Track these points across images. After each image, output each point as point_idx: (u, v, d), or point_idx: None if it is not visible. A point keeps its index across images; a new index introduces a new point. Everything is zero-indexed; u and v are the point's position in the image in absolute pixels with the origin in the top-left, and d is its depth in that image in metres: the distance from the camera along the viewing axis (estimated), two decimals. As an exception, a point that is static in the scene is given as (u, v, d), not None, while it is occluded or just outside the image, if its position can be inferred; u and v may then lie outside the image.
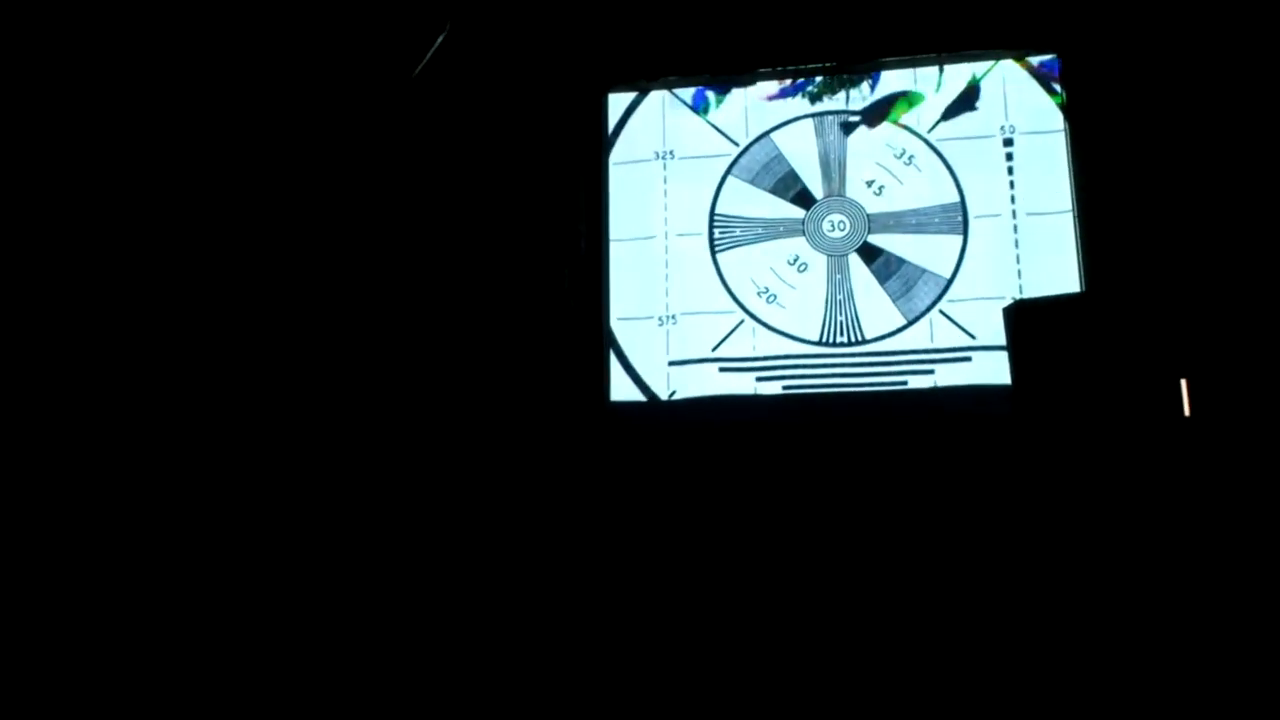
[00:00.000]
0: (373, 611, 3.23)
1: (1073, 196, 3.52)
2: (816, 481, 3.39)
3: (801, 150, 3.74)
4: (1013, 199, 3.58)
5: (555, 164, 3.70)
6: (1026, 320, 2.64)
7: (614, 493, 3.47)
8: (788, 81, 3.74)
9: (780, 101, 3.76)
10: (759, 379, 3.58)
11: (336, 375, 3.49)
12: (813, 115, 3.75)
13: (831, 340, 3.59)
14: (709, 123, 3.77)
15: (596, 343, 3.65)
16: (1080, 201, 3.49)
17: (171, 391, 3.30)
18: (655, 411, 3.60)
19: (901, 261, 3.62)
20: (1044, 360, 2.60)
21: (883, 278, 3.62)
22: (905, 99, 3.59)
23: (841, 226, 3.66)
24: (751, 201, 3.72)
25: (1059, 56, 3.58)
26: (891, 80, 3.73)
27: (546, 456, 3.51)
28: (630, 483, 3.48)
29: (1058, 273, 3.46)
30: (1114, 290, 3.22)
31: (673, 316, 3.65)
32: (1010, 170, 3.59)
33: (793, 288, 3.65)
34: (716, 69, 3.73)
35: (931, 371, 3.51)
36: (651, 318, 3.67)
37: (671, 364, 3.64)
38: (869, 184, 3.68)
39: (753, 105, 3.78)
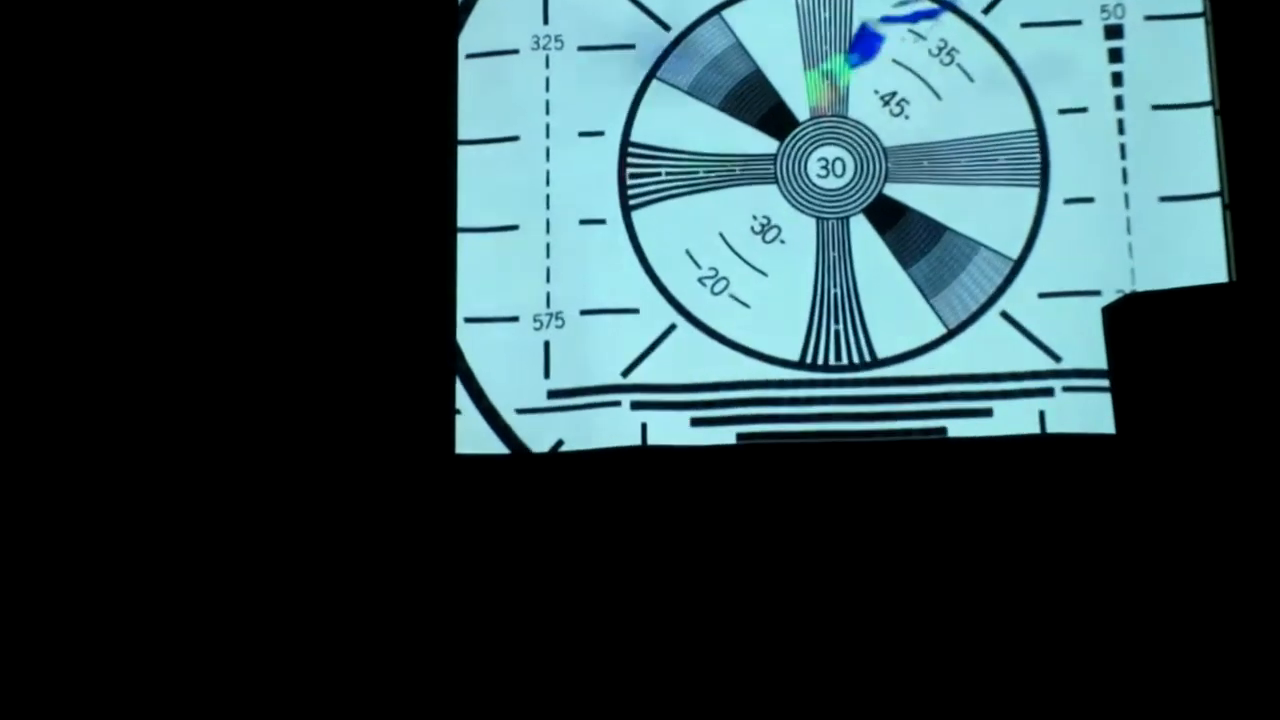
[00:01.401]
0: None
1: (1217, 127, 3.26)
2: (793, 590, 3.20)
3: (775, 40, 3.47)
4: (1121, 127, 3.32)
5: (368, 52, 3.47)
6: (1142, 328, 2.37)
7: (458, 601, 3.26)
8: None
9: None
10: (696, 422, 3.34)
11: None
12: None
13: (822, 360, 3.35)
14: None
15: (434, 358, 3.38)
16: (1229, 134, 3.26)
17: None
18: (526, 472, 3.34)
19: (940, 229, 3.36)
20: (1171, 394, 2.33)
21: (908, 256, 3.36)
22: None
23: (840, 169, 3.40)
24: (691, 124, 3.47)
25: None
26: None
27: (350, 542, 3.30)
28: (485, 585, 3.26)
29: (1193, 250, 3.26)
30: (1286, 279, 3.20)
31: (558, 315, 3.40)
32: (1118, 79, 3.34)
33: (758, 271, 3.39)
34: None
35: (989, 413, 3.27)
36: (522, 318, 3.40)
37: (554, 395, 3.38)
38: (886, 98, 3.41)
39: None
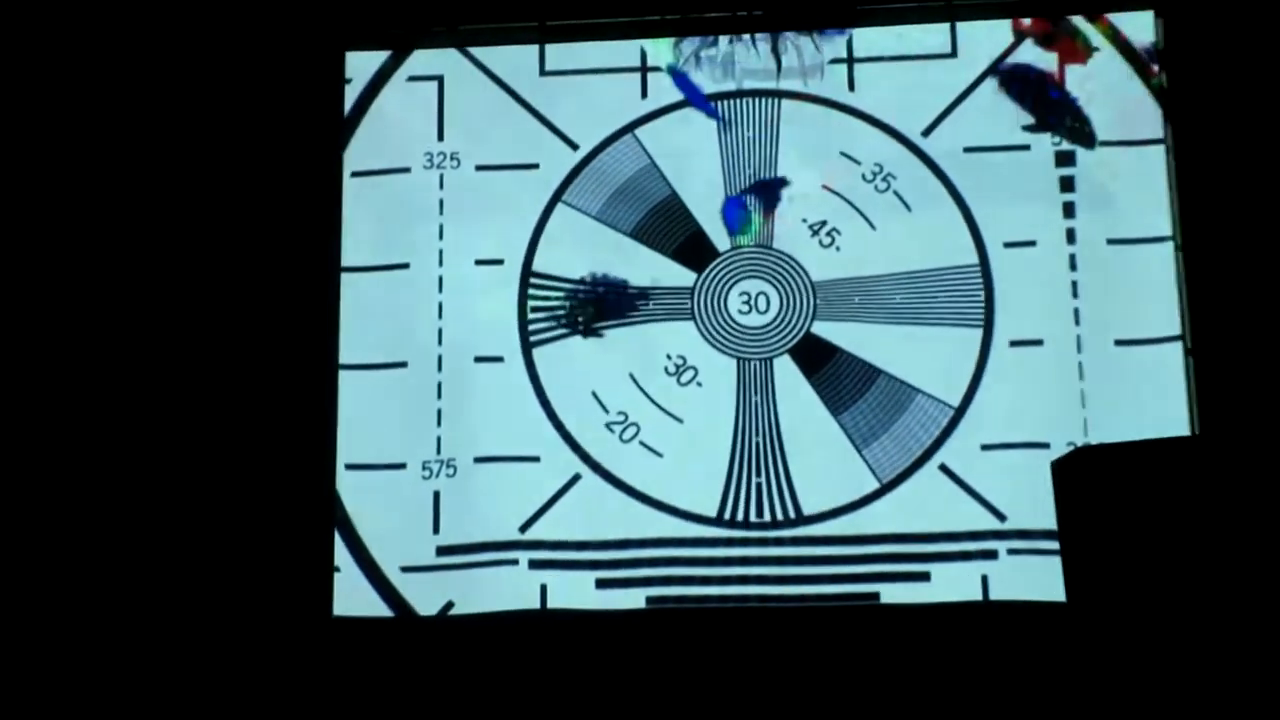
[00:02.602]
0: None
1: (1178, 264, 3.31)
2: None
3: (693, 162, 3.52)
4: (1073, 263, 3.34)
5: (241, 168, 3.49)
6: (1095, 484, 2.29)
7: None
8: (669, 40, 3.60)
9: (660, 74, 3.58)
10: (602, 583, 3.33)
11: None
12: (717, 97, 3.54)
13: (741, 516, 3.33)
14: (524, 105, 3.55)
15: (311, 508, 3.37)
16: (1191, 271, 3.31)
17: None
18: (411, 637, 3.33)
19: (874, 372, 3.38)
20: (1126, 558, 2.23)
21: (837, 402, 3.37)
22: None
23: (764, 305, 3.42)
24: (600, 253, 3.50)
25: (1157, 15, 3.45)
26: (858, 42, 3.53)
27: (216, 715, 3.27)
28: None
29: (1152, 399, 3.28)
30: (1253, 432, 3.08)
31: (449, 463, 3.39)
32: (1070, 210, 3.36)
33: (673, 417, 3.40)
34: (546, 12, 3.58)
35: (926, 577, 3.26)
36: (409, 465, 3.40)
37: (444, 551, 3.36)
38: (815, 227, 3.43)
39: (608, 79, 3.56)
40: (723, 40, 3.54)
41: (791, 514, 3.30)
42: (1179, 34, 3.46)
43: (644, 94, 3.53)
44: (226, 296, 3.48)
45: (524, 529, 3.34)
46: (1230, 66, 3.36)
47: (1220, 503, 2.18)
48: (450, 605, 3.32)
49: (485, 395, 3.42)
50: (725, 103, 3.52)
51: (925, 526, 3.27)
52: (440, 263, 3.45)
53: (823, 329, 3.37)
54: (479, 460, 3.38)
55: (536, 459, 3.37)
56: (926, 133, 3.42)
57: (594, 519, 3.35)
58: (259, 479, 3.37)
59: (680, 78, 3.54)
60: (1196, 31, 3.45)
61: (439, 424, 3.39)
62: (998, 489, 3.26)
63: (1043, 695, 3.03)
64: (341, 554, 3.36)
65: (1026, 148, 3.38)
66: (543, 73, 3.55)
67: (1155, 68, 3.41)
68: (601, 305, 3.47)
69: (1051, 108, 3.39)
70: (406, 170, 3.51)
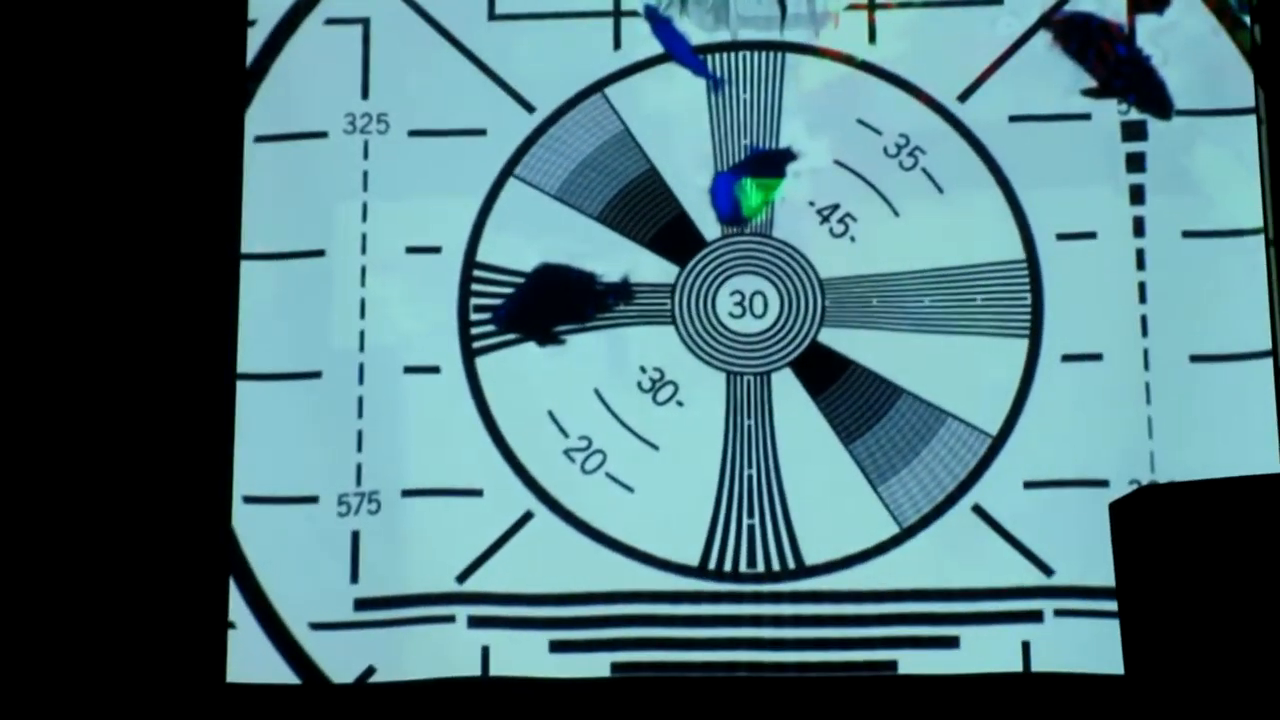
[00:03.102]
0: None
1: (1271, 262, 3.20)
2: None
3: (676, 129, 3.41)
4: (1141, 260, 3.23)
5: (124, 132, 3.32)
6: (1163, 531, 2.15)
7: None
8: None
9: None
10: (557, 646, 3.21)
11: None
12: (707, 50, 3.40)
13: (729, 566, 3.22)
14: (469, 56, 3.38)
15: (200, 550, 3.23)
16: None
17: None
18: (323, 710, 3.21)
19: (894, 392, 3.27)
20: (1199, 621, 2.06)
21: (850, 428, 3.27)
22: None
23: (761, 307, 3.32)
24: (559, 240, 3.37)
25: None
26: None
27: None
28: None
29: (1234, 427, 3.15)
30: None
31: (372, 496, 3.26)
32: (1138, 195, 3.24)
33: (646, 444, 3.29)
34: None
35: (954, 642, 3.14)
36: (323, 499, 3.26)
37: (364, 605, 3.23)
38: (824, 212, 3.31)
39: (572, 25, 3.40)
40: (719, -22, 3.44)
41: (791, 564, 3.20)
42: (1277, -21, 3.30)
43: (617, 44, 3.40)
44: (98, 288, 3.38)
45: (462, 579, 3.22)
46: (1338, 20, 3.20)
47: (1317, 554, 2.17)
48: (371, 671, 3.20)
49: (417, 414, 3.30)
50: (717, 56, 3.40)
51: (954, 581, 3.16)
52: (363, 250, 3.33)
53: (832, 337, 3.28)
54: (408, 494, 3.25)
55: (479, 493, 3.25)
56: (964, 97, 3.29)
57: (548, 567, 3.22)
58: (137, 513, 3.22)
59: (662, 25, 3.45)
60: (1298, -24, 3.25)
61: (359, 448, 3.27)
62: (1044, 536, 3.15)
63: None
64: (238, 607, 3.23)
65: (1086, 117, 3.25)
66: (492, 16, 3.40)
67: (1246, 20, 3.30)
68: (560, 304, 3.36)
69: (1118, 68, 3.30)
70: (323, 135, 3.38)
